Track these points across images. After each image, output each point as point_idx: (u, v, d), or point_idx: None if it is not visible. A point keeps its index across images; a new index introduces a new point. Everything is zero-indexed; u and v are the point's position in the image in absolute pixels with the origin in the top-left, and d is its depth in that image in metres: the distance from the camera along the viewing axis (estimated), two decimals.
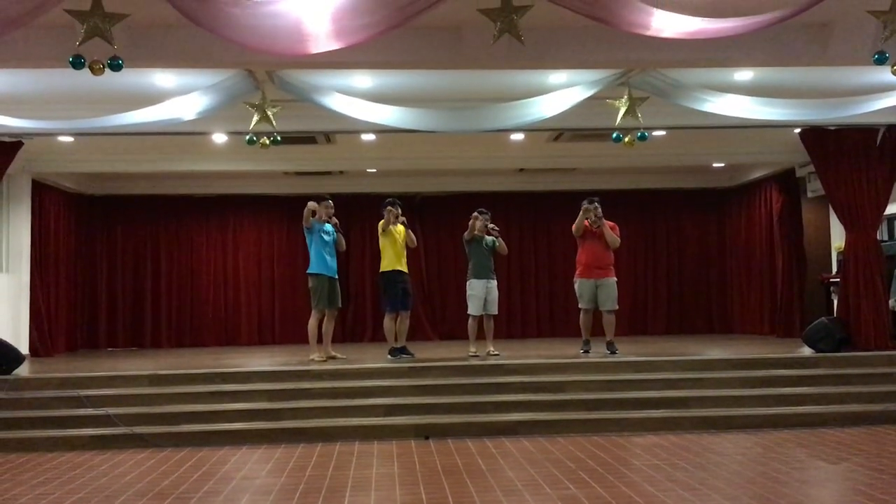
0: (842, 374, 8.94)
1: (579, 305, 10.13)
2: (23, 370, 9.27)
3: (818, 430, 7.73)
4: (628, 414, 8.07)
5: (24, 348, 10.90)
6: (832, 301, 11.60)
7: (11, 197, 11.73)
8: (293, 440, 7.57)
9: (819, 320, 10.17)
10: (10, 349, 9.19)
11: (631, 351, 10.07)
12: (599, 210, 10.01)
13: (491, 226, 10.14)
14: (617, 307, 10.08)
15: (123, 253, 14.26)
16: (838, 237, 11.44)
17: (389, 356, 9.72)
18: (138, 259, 14.30)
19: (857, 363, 9.23)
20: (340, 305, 10.14)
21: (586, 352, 9.99)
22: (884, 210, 10.36)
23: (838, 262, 11.43)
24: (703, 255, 14.93)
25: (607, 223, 10.02)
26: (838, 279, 10.97)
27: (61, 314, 12.90)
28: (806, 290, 12.88)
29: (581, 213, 10.01)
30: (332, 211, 10.00)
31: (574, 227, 10.07)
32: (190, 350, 13.33)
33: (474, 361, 9.43)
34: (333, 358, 9.75)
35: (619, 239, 10.07)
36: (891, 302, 10.47)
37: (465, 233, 10.15)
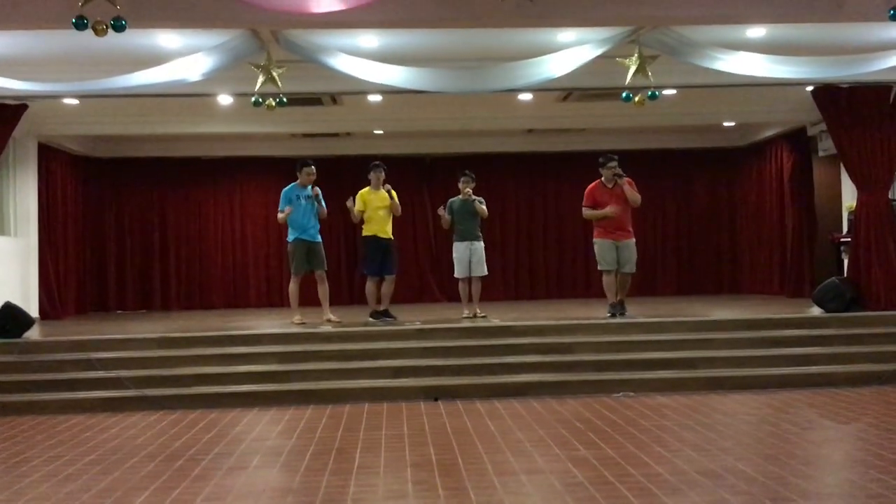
0: (852, 334, 8.92)
1: (600, 268, 9.69)
2: (33, 333, 9.31)
3: (828, 390, 7.70)
4: (637, 375, 8.06)
5: (33, 311, 10.96)
6: (842, 261, 11.54)
7: (18, 160, 11.69)
8: (303, 402, 7.59)
9: (829, 280, 10.12)
10: (19, 312, 9.19)
11: (640, 312, 10.04)
12: (619, 168, 9.62)
13: (467, 190, 10.05)
14: (635, 270, 9.82)
15: (131, 215, 14.26)
16: (849, 197, 11.34)
17: (371, 319, 9.69)
18: (146, 221, 14.30)
19: (867, 323, 9.19)
20: (325, 268, 9.94)
21: (612, 315, 9.58)
22: None
23: (849, 221, 11.35)
24: (712, 215, 14.84)
25: (626, 179, 9.60)
26: (849, 239, 10.90)
27: (70, 277, 12.92)
28: (816, 250, 12.81)
29: None
30: (314, 177, 9.76)
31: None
32: (199, 312, 13.38)
33: (481, 323, 9.45)
34: (330, 321, 9.67)
35: (639, 195, 9.70)
36: None
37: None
